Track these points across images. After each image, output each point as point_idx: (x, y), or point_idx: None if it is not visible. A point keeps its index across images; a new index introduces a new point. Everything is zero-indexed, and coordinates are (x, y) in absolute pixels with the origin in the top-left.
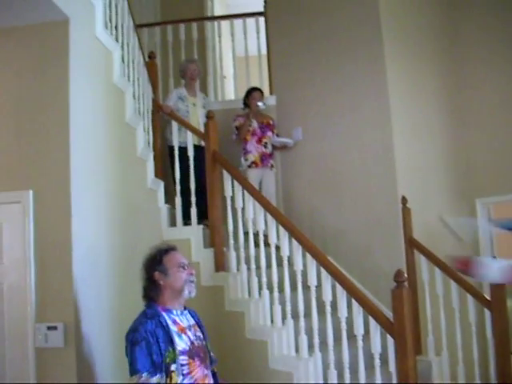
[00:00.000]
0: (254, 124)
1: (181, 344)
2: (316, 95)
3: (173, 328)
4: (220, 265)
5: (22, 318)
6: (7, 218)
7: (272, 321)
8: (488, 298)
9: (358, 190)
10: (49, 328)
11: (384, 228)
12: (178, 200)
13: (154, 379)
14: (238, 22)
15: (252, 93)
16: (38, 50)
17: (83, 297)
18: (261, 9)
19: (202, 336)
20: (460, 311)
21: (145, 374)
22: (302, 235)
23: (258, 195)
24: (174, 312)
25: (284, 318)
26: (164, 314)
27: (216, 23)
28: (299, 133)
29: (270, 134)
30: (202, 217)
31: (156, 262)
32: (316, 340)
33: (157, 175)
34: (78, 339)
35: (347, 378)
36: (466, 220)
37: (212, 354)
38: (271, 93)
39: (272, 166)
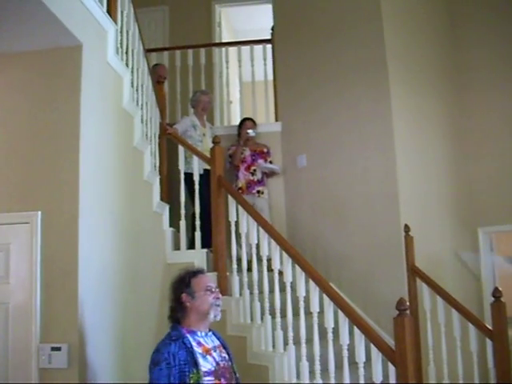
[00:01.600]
0: (246, 152)
1: (206, 365)
2: (321, 121)
3: (197, 349)
4: (223, 289)
5: (26, 338)
6: (15, 239)
7: (274, 346)
8: (489, 327)
9: (361, 216)
10: (53, 349)
11: (386, 255)
12: (183, 223)
13: None
14: (245, 49)
15: (244, 122)
16: (50, 74)
17: (88, 318)
18: (268, 36)
19: (227, 357)
20: (461, 340)
21: None
22: (305, 261)
23: (262, 220)
24: (199, 334)
25: (286, 343)
26: (188, 335)
27: (224, 49)
28: (303, 160)
29: (260, 161)
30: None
31: (184, 284)
32: (317, 367)
33: (162, 198)
34: (81, 360)
35: None
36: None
37: (237, 374)
38: (277, 119)
39: (260, 192)
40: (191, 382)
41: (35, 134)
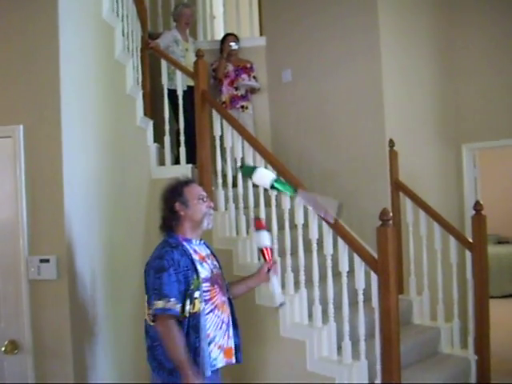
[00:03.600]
0: (229, 67)
1: (203, 272)
2: (306, 36)
3: (195, 257)
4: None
5: (14, 252)
6: None
7: (259, 258)
8: (470, 239)
9: (346, 131)
10: (41, 261)
11: (371, 170)
12: (167, 139)
13: (179, 306)
14: None
15: (227, 37)
16: None
17: (75, 230)
18: None
19: (217, 265)
20: (442, 252)
21: (173, 300)
22: (291, 174)
23: (246, 134)
24: (194, 242)
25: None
26: (185, 243)
27: None
28: (288, 74)
29: (244, 76)
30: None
31: (177, 193)
32: (302, 277)
33: (146, 114)
34: (70, 271)
35: (331, 313)
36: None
37: (226, 281)
38: (261, 34)
39: (244, 107)
40: (192, 287)
41: (13, 47)
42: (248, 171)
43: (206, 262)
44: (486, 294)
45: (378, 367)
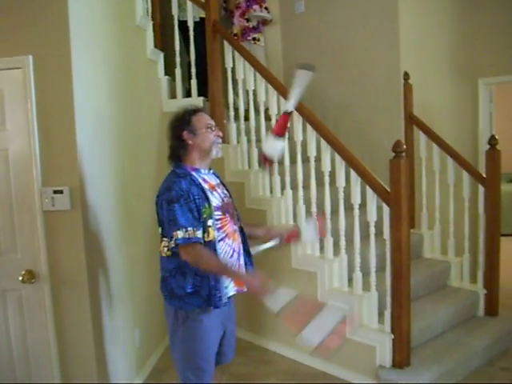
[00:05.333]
0: None
1: (214, 200)
2: None
3: (204, 186)
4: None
5: (28, 183)
6: (8, 84)
7: (271, 191)
8: (483, 174)
9: (360, 63)
10: (55, 192)
11: (384, 103)
12: (178, 71)
13: (200, 232)
14: None
15: None
16: None
17: (87, 162)
18: None
19: (228, 194)
20: (455, 187)
21: (190, 229)
22: (303, 106)
23: (259, 66)
24: (202, 171)
25: (283, 188)
26: (193, 173)
27: None
28: (301, 5)
29: (255, 7)
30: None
31: (185, 122)
32: (314, 209)
33: (156, 46)
34: (83, 202)
35: (343, 245)
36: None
37: (237, 211)
38: None
39: (256, 39)
40: (204, 216)
41: None
42: None
43: (216, 190)
44: (497, 230)
45: (388, 298)
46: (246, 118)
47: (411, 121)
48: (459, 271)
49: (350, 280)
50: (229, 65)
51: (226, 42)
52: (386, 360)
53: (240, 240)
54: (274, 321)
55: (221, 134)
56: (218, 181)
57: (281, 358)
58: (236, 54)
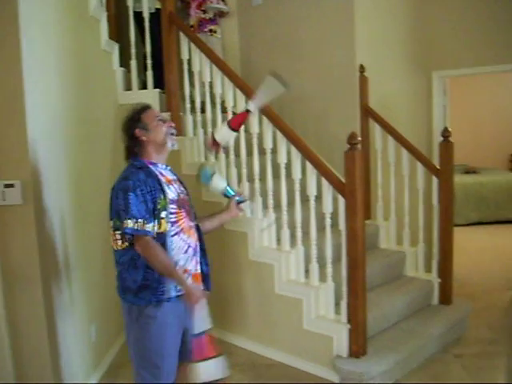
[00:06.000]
0: None
1: (170, 193)
2: None
3: (161, 178)
4: (177, 129)
5: None
6: None
7: (228, 183)
8: (437, 166)
9: (316, 56)
10: (6, 186)
11: (340, 95)
12: (133, 63)
13: (150, 226)
14: None
15: None
16: None
17: (40, 156)
18: None
19: (185, 191)
20: (409, 178)
21: (140, 220)
22: (250, 89)
23: (215, 57)
24: (160, 165)
25: (239, 181)
26: (151, 166)
27: None
28: None
29: None
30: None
31: (135, 120)
32: (270, 201)
33: (111, 37)
34: (36, 197)
35: (299, 237)
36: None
37: (194, 209)
38: None
39: (212, 31)
40: (158, 207)
41: None
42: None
43: (172, 184)
44: (450, 220)
45: (344, 289)
46: (203, 111)
47: (367, 113)
48: (414, 261)
49: (307, 271)
50: (185, 56)
51: (182, 34)
52: (342, 350)
53: (197, 237)
54: (235, 315)
55: (173, 124)
56: (175, 177)
57: (239, 350)
58: (192, 45)
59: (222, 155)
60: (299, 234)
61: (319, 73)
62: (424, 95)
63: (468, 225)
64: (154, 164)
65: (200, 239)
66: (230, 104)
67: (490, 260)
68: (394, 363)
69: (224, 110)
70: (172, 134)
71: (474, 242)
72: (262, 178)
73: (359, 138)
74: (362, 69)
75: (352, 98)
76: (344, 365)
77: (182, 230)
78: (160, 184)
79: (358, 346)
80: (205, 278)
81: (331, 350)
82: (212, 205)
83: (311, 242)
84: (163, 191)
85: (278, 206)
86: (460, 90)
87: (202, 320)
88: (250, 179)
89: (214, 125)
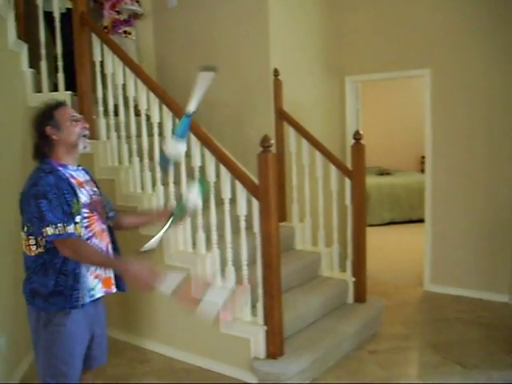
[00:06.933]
0: None
1: (82, 197)
2: None
3: (72, 181)
4: (90, 133)
5: None
6: None
7: (142, 188)
8: (350, 168)
9: (231, 59)
10: None
11: (255, 99)
12: (44, 64)
13: (71, 227)
14: None
15: None
16: None
17: None
18: None
19: (97, 191)
20: (323, 180)
21: (60, 225)
22: (173, 101)
23: (128, 60)
24: (70, 167)
25: (154, 184)
26: (61, 168)
27: None
28: (174, 0)
29: (126, 0)
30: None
31: (47, 117)
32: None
33: (20, 37)
34: None
35: (215, 240)
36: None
37: (111, 206)
38: None
39: (127, 33)
40: (73, 211)
41: None
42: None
43: (84, 187)
44: (363, 220)
45: (260, 291)
46: (116, 114)
47: (281, 116)
48: (329, 261)
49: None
50: (97, 58)
51: (94, 35)
52: (260, 351)
53: (108, 239)
54: (150, 319)
55: (87, 125)
56: (88, 177)
57: (157, 357)
58: (105, 47)
59: (135, 159)
60: (214, 237)
61: (235, 76)
62: (338, 99)
63: (382, 225)
64: (64, 166)
65: (112, 241)
66: (143, 107)
67: (403, 258)
68: (310, 362)
69: (137, 113)
70: (85, 136)
71: (388, 241)
72: (177, 182)
73: (272, 141)
74: (276, 72)
75: (267, 101)
76: (261, 366)
77: (93, 234)
78: (72, 187)
79: (275, 347)
80: (118, 279)
81: (249, 352)
82: (125, 208)
83: (226, 244)
84: (76, 195)
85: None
86: (375, 94)
87: (171, 280)
88: (165, 183)
89: (128, 128)
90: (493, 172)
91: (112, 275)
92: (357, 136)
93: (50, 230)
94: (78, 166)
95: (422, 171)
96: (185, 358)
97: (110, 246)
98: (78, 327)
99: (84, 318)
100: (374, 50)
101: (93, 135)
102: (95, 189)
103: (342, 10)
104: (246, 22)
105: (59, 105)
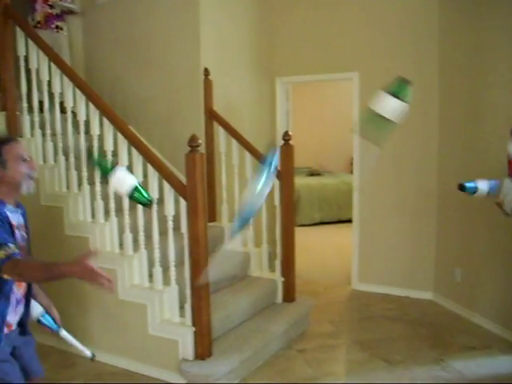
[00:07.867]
0: None
1: (17, 240)
2: None
3: (11, 221)
4: (13, 130)
5: None
6: None
7: (68, 187)
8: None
9: (161, 58)
10: None
11: (185, 98)
12: None
13: (13, 246)
14: None
15: None
16: None
17: None
18: None
19: (25, 237)
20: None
21: (11, 245)
22: (100, 99)
23: (54, 55)
24: (8, 207)
25: (80, 183)
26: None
27: None
28: None
29: None
30: None
31: None
32: (112, 205)
33: None
34: None
35: (142, 241)
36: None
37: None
38: None
39: (59, 28)
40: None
41: None
42: (105, 169)
43: (19, 231)
44: (291, 220)
45: (188, 291)
46: (41, 110)
47: (211, 116)
48: (259, 261)
49: (151, 275)
50: (21, 53)
51: (18, 29)
52: (188, 353)
53: (25, 286)
54: (76, 323)
55: (35, 166)
56: (22, 222)
57: (81, 359)
58: (30, 41)
59: (61, 157)
60: (142, 237)
61: (165, 75)
62: (269, 100)
63: (312, 225)
64: (2, 203)
65: (28, 289)
66: (69, 104)
67: (332, 258)
68: (239, 362)
69: (63, 110)
70: (31, 178)
71: (318, 241)
72: (104, 181)
73: (200, 141)
74: (206, 72)
75: (197, 101)
76: (190, 368)
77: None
78: (11, 227)
79: (204, 348)
80: (20, 325)
81: (177, 353)
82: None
83: (154, 245)
84: (13, 235)
85: (119, 210)
86: (306, 96)
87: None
88: (91, 182)
89: (53, 125)
90: (419, 175)
91: (15, 322)
92: (286, 137)
93: (2, 254)
94: (18, 206)
95: (352, 172)
96: (112, 361)
97: (24, 294)
98: (5, 353)
99: (7, 345)
100: (305, 52)
101: (16, 132)
102: (25, 234)
103: (274, 12)
104: (177, 20)
105: (8, 140)
